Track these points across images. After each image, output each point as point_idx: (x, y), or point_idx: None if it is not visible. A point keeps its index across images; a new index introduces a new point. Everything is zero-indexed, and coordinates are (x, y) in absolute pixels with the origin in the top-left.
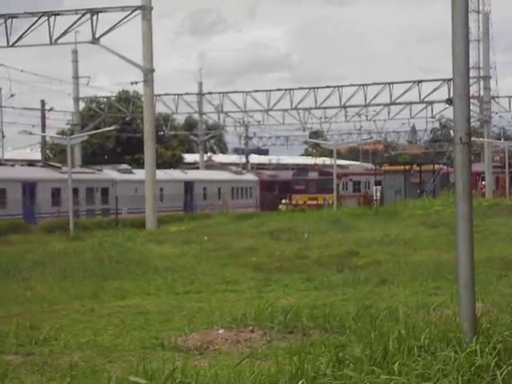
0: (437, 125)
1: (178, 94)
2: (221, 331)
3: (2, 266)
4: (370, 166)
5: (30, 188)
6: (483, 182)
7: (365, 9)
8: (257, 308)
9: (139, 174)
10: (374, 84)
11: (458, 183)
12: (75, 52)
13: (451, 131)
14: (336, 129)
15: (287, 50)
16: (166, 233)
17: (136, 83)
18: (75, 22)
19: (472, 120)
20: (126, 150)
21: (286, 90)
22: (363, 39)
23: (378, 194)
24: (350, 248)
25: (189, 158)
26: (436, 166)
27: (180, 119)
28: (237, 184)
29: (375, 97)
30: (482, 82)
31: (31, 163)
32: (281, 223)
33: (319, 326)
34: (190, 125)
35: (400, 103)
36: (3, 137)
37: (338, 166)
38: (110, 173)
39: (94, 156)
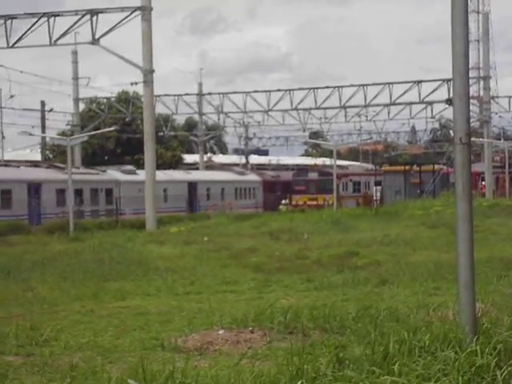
0: (437, 125)
1: (178, 95)
2: (221, 332)
3: (3, 267)
4: (369, 166)
5: (35, 189)
6: (483, 182)
7: (365, 9)
8: (257, 308)
9: (143, 174)
10: (374, 84)
11: (458, 183)
12: (75, 53)
13: (451, 131)
14: (336, 129)
15: (287, 50)
16: (167, 233)
17: (136, 84)
18: (75, 23)
19: (472, 120)
20: (126, 150)
21: (285, 90)
22: (363, 39)
23: (378, 194)
24: (350, 248)
25: (189, 158)
26: (436, 167)
27: (180, 120)
28: (240, 184)
29: (375, 97)
30: (481, 82)
31: (36, 164)
32: (281, 224)
33: (319, 326)
34: (190, 125)
35: (400, 103)
36: (3, 138)
37: (338, 166)
38: (114, 174)
39: (93, 157)
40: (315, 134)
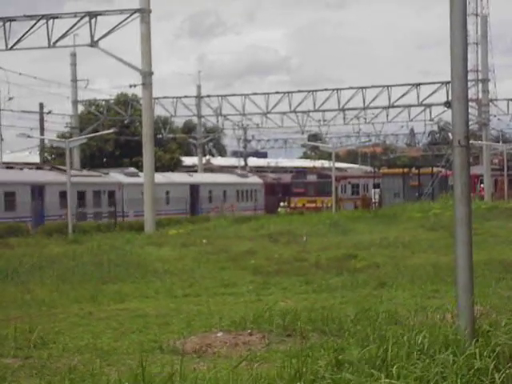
0: (435, 128)
1: (177, 97)
2: (219, 334)
3: (1, 269)
4: (368, 168)
5: (38, 191)
6: (482, 185)
7: (363, 12)
8: (255, 311)
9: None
10: (373, 87)
11: (457, 186)
12: (74, 55)
13: (450, 134)
14: (334, 131)
15: (286, 53)
16: (165, 236)
17: (135, 86)
18: (74, 25)
19: (470, 123)
20: (125, 152)
21: (284, 92)
22: (362, 42)
23: (377, 196)
24: (349, 251)
25: (187, 161)
26: (435, 169)
27: (179, 122)
28: (242, 187)
29: (374, 99)
30: (480, 85)
31: (39, 166)
32: (280, 226)
33: (318, 328)
34: (189, 128)
35: (398, 106)
36: (2, 140)
37: (337, 168)
38: (116, 176)
39: (92, 159)
40: (314, 137)
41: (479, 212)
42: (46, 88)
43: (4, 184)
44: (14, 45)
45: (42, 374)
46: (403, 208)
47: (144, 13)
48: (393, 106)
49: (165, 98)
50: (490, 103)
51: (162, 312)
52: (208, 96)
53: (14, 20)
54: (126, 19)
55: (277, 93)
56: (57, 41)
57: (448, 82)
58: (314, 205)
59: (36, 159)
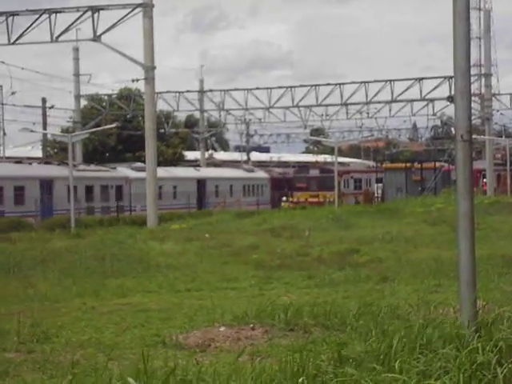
0: (438, 122)
1: (179, 92)
2: (222, 329)
3: (4, 264)
4: (371, 163)
5: (47, 185)
6: (484, 180)
7: (367, 6)
8: (258, 305)
9: None
10: (375, 81)
11: (460, 181)
12: (76, 50)
13: (452, 129)
14: (337, 126)
15: (289, 48)
16: (168, 230)
17: (137, 81)
18: (76, 20)
19: (473, 117)
20: (127, 147)
21: (287, 87)
22: (365, 37)
23: (379, 191)
24: (351, 245)
25: (190, 155)
26: (437, 164)
27: (181, 117)
28: (248, 182)
29: (376, 94)
30: (483, 80)
31: (47, 161)
32: (282, 221)
33: (320, 323)
34: (191, 122)
35: (401, 101)
36: (4, 134)
37: (339, 163)
38: (124, 171)
39: (94, 153)
40: (316, 131)
41: (482, 207)
42: (49, 82)
43: (13, 178)
44: (17, 39)
45: (45, 369)
46: (406, 203)
47: (147, 7)
48: (395, 101)
49: (167, 92)
50: (493, 98)
51: (164, 306)
52: (211, 90)
53: (17, 14)
54: (128, 14)
55: (279, 87)
56: (59, 35)
57: (451, 77)
58: (316, 199)
59: (38, 154)
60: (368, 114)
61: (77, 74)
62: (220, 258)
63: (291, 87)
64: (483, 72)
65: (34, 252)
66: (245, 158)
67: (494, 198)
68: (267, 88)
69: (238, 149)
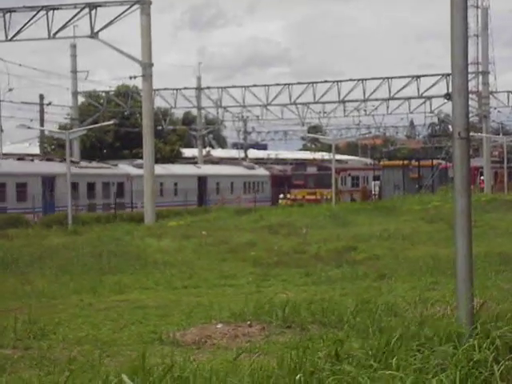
0: (435, 120)
1: (177, 89)
2: (219, 326)
3: (1, 261)
4: (368, 160)
5: (49, 182)
6: (482, 177)
7: (365, 3)
8: (255, 303)
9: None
10: (373, 79)
11: (457, 178)
12: (74, 46)
13: (450, 126)
14: (335, 123)
15: (287, 45)
16: (165, 227)
17: (135, 78)
18: (74, 16)
19: (470, 115)
20: (125, 144)
21: (284, 84)
22: (363, 35)
23: (377, 188)
24: (349, 243)
25: (187, 152)
26: (435, 161)
27: (178, 114)
28: (249, 179)
29: (374, 91)
30: (480, 77)
31: (49, 158)
32: (279, 218)
33: (318, 320)
34: (189, 119)
35: (399, 98)
36: (2, 131)
37: (337, 160)
38: (125, 168)
39: (92, 150)
40: (314, 129)
41: (479, 204)
42: (46, 79)
43: (16, 175)
44: (14, 36)
45: (42, 365)
46: (403, 200)
47: (144, 4)
48: (393, 98)
49: (165, 89)
50: (490, 95)
51: (161, 303)
52: (208, 88)
53: (14, 11)
54: (126, 10)
55: (277, 85)
56: (57, 32)
57: (448, 75)
58: (313, 197)
59: (36, 150)
60: (365, 111)
61: (74, 71)
62: (217, 255)
63: (289, 84)
64: (481, 70)
65: (31, 249)
66: (242, 155)
67: (491, 196)
68: (265, 85)
69: (235, 146)
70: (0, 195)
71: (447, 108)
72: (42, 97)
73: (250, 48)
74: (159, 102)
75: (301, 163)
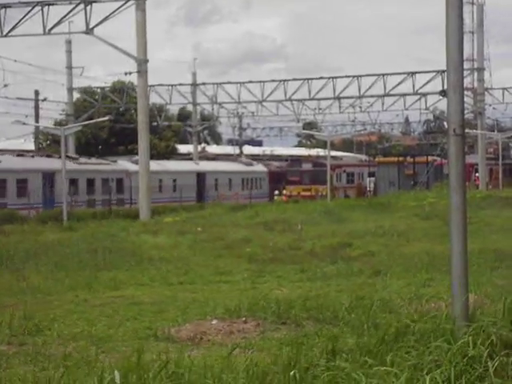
0: (430, 116)
1: (172, 85)
2: (214, 322)
3: None
4: (363, 157)
5: (49, 178)
6: (477, 174)
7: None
8: (250, 299)
9: (153, 165)
10: (368, 75)
11: (452, 175)
12: (69, 42)
13: (445, 123)
14: (330, 120)
15: (282, 41)
16: (161, 223)
17: (130, 74)
18: (69, 12)
19: (466, 112)
20: (120, 140)
21: (280, 81)
22: (359, 30)
23: (372, 185)
24: (344, 239)
25: (182, 148)
26: (430, 158)
27: (174, 110)
28: (247, 175)
29: (369, 88)
30: (475, 74)
31: (49, 154)
32: (275, 214)
33: (312, 316)
34: (184, 115)
35: (394, 95)
36: None
37: (332, 157)
38: (124, 164)
39: (87, 146)
40: (309, 125)
41: (474, 201)
42: (41, 75)
43: (16, 171)
44: (9, 31)
45: (37, 361)
46: (398, 197)
47: (139, 0)
48: (388, 95)
49: (160, 85)
50: (486, 92)
51: (156, 300)
52: (203, 84)
53: (10, 6)
54: (121, 6)
55: (272, 81)
56: (52, 28)
57: (443, 71)
58: (308, 193)
59: (31, 146)
60: (361, 107)
61: (69, 67)
62: (213, 251)
63: (284, 81)
64: (476, 66)
65: (26, 245)
66: (237, 151)
67: (486, 192)
68: (260, 81)
69: (230, 142)
70: (0, 191)
71: (442, 105)
72: (37, 93)
73: (245, 44)
74: (154, 98)
75: (296, 160)
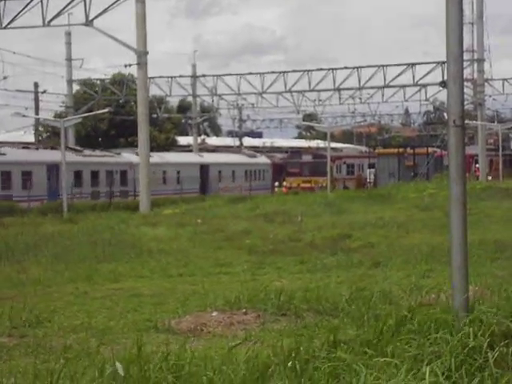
0: (430, 108)
1: (172, 77)
2: (214, 314)
3: None
4: (363, 148)
5: (53, 170)
6: (477, 165)
7: None
8: (250, 290)
9: (156, 157)
10: (368, 67)
11: (452, 166)
12: (68, 34)
13: (445, 114)
14: (330, 111)
15: (282, 33)
16: (160, 215)
17: (130, 66)
18: (68, 4)
19: (466, 103)
20: (120, 132)
21: (279, 72)
22: (359, 22)
23: (372, 176)
24: (344, 231)
25: (182, 140)
26: (430, 149)
27: (173, 102)
28: (251, 167)
29: (369, 79)
30: (475, 65)
31: (53, 146)
32: (275, 206)
33: (313, 308)
34: (184, 107)
35: (394, 86)
36: None
37: (332, 148)
38: (128, 156)
39: (87, 138)
40: (309, 117)
41: (474, 192)
42: (41, 67)
43: (21, 163)
44: (9, 23)
45: (37, 353)
46: (398, 188)
47: None
48: (388, 86)
49: (160, 77)
50: (486, 83)
51: (156, 291)
52: (203, 75)
53: None
54: None
55: (272, 72)
56: (51, 20)
57: (443, 62)
58: (308, 185)
59: (31, 138)
60: (361, 99)
61: (69, 59)
62: (213, 243)
63: (284, 72)
64: (476, 57)
65: (26, 237)
66: (237, 143)
67: (486, 184)
68: (260, 73)
69: (230, 134)
70: (6, 183)
71: (442, 96)
72: (36, 85)
73: (245, 36)
74: (154, 90)
75: (296, 151)
